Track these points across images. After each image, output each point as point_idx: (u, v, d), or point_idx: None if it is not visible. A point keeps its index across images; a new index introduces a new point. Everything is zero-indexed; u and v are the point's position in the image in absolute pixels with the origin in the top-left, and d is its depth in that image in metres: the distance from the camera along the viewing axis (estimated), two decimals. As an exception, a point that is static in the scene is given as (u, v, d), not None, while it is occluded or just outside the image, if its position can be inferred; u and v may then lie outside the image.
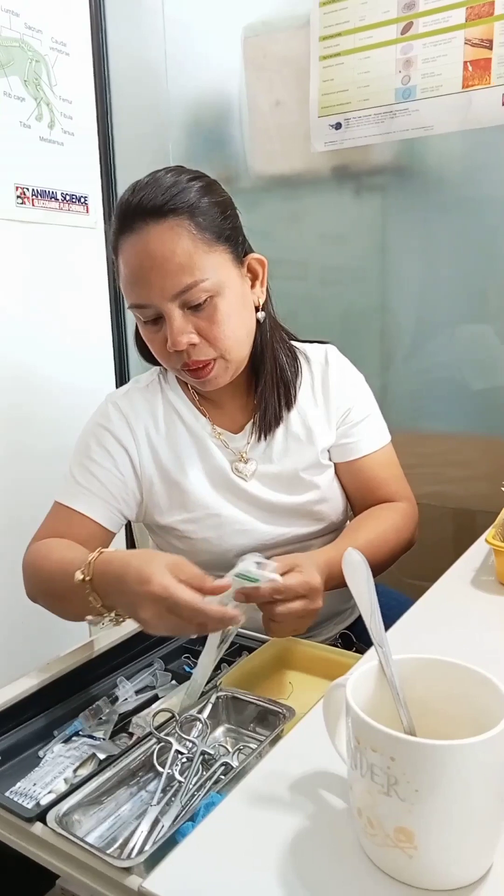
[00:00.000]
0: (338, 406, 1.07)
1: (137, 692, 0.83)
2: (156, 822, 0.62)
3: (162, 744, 0.68)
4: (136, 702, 0.81)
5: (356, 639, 1.09)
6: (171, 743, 0.68)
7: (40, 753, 0.74)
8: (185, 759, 0.67)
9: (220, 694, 0.76)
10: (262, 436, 1.04)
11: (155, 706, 0.78)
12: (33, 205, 1.61)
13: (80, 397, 1.42)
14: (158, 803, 0.64)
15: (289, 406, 1.04)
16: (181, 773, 0.66)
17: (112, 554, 0.82)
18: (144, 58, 1.73)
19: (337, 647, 1.02)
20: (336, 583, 0.84)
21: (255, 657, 0.84)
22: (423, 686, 0.51)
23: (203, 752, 0.68)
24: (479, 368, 1.43)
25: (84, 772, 0.70)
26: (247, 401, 1.06)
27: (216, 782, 0.65)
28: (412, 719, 0.50)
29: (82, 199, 1.73)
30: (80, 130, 1.71)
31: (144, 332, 0.97)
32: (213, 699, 0.75)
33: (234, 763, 0.66)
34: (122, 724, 0.77)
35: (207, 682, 0.77)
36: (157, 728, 0.70)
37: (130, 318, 1.81)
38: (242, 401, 1.06)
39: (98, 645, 0.88)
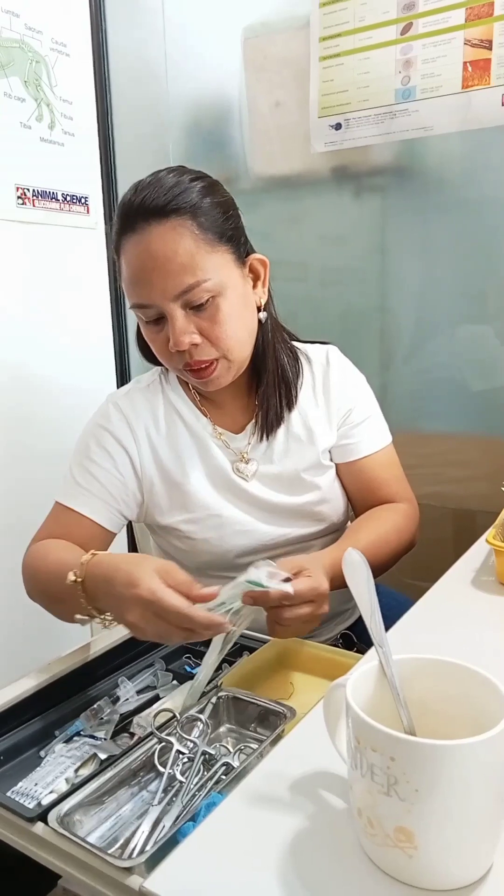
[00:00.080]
0: (339, 407, 1.07)
1: (138, 692, 0.84)
2: (157, 822, 0.62)
3: (163, 744, 0.68)
4: (137, 702, 0.81)
5: (357, 639, 1.09)
6: (172, 743, 0.68)
7: (41, 753, 0.75)
8: (186, 760, 0.67)
9: (221, 694, 0.76)
10: (264, 436, 1.04)
11: (156, 706, 0.78)
12: (34, 205, 1.61)
13: (80, 398, 1.42)
14: (159, 803, 0.64)
15: (290, 406, 1.05)
16: (182, 773, 0.66)
17: (103, 556, 0.82)
18: (144, 59, 1.73)
19: (338, 647, 1.02)
20: (340, 583, 0.84)
21: (256, 657, 0.84)
22: (424, 686, 0.51)
23: (204, 753, 0.68)
24: (478, 369, 1.43)
25: (85, 772, 0.71)
26: (248, 401, 1.06)
27: (217, 782, 0.65)
28: (412, 719, 0.50)
29: (83, 200, 1.73)
30: (80, 131, 1.71)
31: (146, 332, 0.97)
32: (214, 699, 0.75)
33: (235, 763, 0.67)
34: (124, 725, 0.78)
35: (209, 683, 0.77)
36: (158, 728, 0.70)
37: (131, 319, 1.82)
38: (243, 401, 1.06)
39: (99, 645, 0.89)
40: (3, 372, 1.58)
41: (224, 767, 0.66)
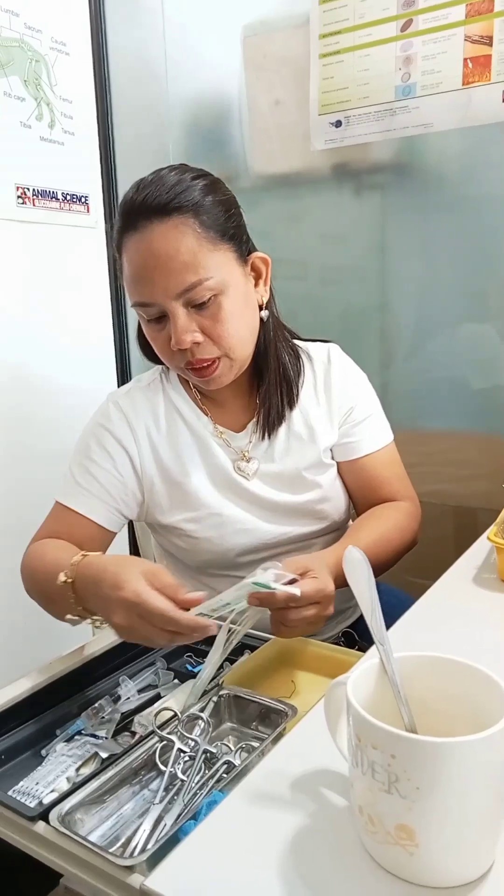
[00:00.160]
0: (340, 405, 1.07)
1: (140, 691, 0.84)
2: (158, 820, 0.62)
3: (164, 742, 0.68)
4: (138, 701, 0.81)
5: (359, 637, 1.09)
6: (173, 741, 0.68)
7: (43, 752, 0.75)
8: (187, 758, 0.67)
9: (222, 692, 0.76)
10: (265, 435, 1.04)
11: (157, 705, 0.78)
12: (34, 205, 1.61)
13: (81, 397, 1.42)
14: (161, 802, 0.64)
15: (291, 405, 1.04)
16: (183, 772, 0.66)
17: (93, 558, 0.82)
18: (144, 57, 1.73)
19: (339, 645, 1.02)
20: (343, 582, 0.84)
21: (257, 656, 0.84)
22: (424, 684, 0.51)
23: (205, 751, 0.68)
24: (479, 367, 1.43)
25: (86, 771, 0.71)
26: (249, 400, 1.06)
27: (218, 781, 0.65)
28: (413, 717, 0.50)
29: (83, 199, 1.73)
30: (80, 130, 1.71)
31: (147, 330, 0.97)
32: (215, 698, 0.75)
33: (237, 761, 0.67)
34: (125, 723, 0.78)
35: (210, 681, 0.77)
36: (159, 727, 0.70)
37: (132, 318, 1.82)
38: (245, 400, 1.06)
39: (100, 644, 0.89)
40: (3, 372, 1.58)
41: (225, 766, 0.66)
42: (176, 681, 0.85)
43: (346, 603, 1.13)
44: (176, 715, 0.72)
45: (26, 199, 1.59)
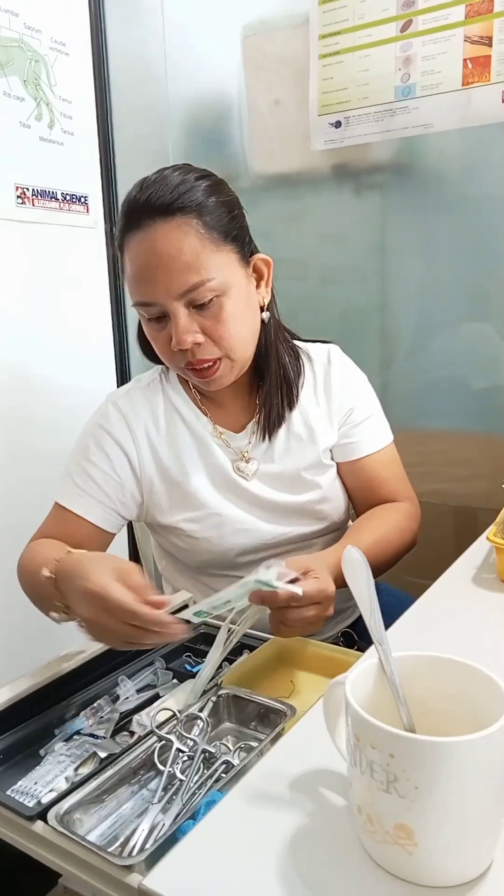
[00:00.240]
0: (340, 406, 1.07)
1: (138, 691, 0.83)
2: (156, 820, 0.62)
3: (163, 742, 0.68)
4: (137, 700, 0.81)
5: (358, 637, 1.09)
6: (172, 741, 0.68)
7: (41, 752, 0.74)
8: (185, 758, 0.67)
9: (221, 692, 0.76)
10: (265, 436, 1.03)
11: (156, 705, 0.78)
12: (33, 205, 1.61)
13: (80, 397, 1.42)
14: (159, 801, 0.64)
15: (291, 406, 1.04)
16: (182, 772, 0.66)
17: (76, 554, 0.83)
18: (144, 58, 1.73)
19: (338, 645, 1.02)
20: (342, 582, 0.84)
21: (256, 655, 0.84)
22: (423, 684, 0.51)
23: (204, 751, 0.68)
24: (479, 367, 1.43)
25: (85, 770, 0.70)
26: (249, 400, 1.06)
27: (217, 780, 0.65)
28: (412, 717, 0.50)
29: (82, 199, 1.73)
30: (79, 130, 1.71)
31: (148, 329, 0.96)
32: (214, 698, 0.75)
33: (235, 761, 0.66)
34: (123, 723, 0.77)
35: (209, 681, 0.77)
36: (158, 726, 0.70)
37: (131, 318, 1.82)
38: (244, 401, 1.06)
39: (99, 643, 0.88)
40: (2, 372, 1.58)
41: (224, 765, 0.66)
42: (175, 681, 0.85)
43: (346, 603, 1.12)
44: (175, 715, 0.72)
45: (26, 199, 1.59)
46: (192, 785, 0.64)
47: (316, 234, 1.57)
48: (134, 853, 0.58)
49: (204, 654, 0.87)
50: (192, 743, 0.68)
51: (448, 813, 0.42)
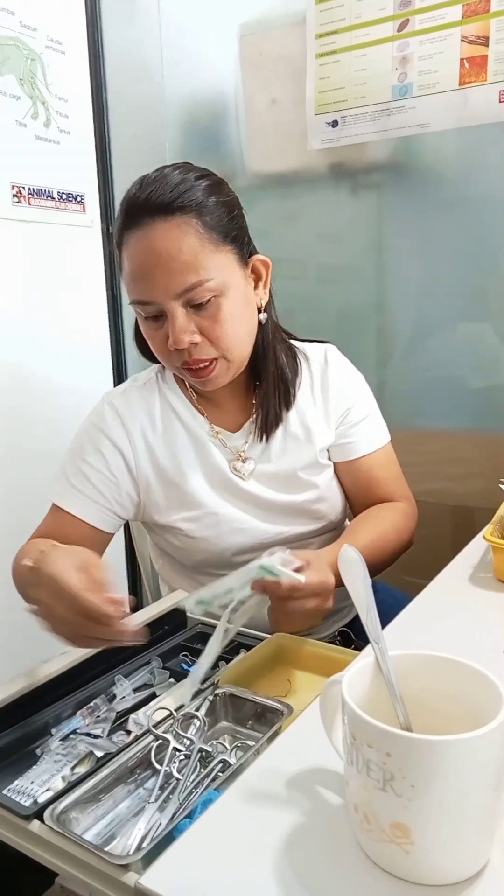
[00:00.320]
0: (337, 406, 1.07)
1: (135, 690, 0.83)
2: (153, 819, 0.62)
3: (160, 741, 0.68)
4: (133, 700, 0.81)
5: (355, 636, 1.09)
6: (168, 740, 0.68)
7: (38, 751, 0.74)
8: (182, 757, 0.67)
9: (218, 691, 0.76)
10: (262, 438, 1.03)
11: (153, 704, 0.78)
12: (29, 204, 1.60)
13: (77, 398, 1.42)
14: (156, 800, 0.64)
15: (288, 406, 1.04)
16: (179, 771, 0.66)
17: (59, 546, 0.83)
18: (140, 56, 1.73)
19: (335, 644, 1.02)
20: (341, 581, 0.84)
21: (253, 654, 0.84)
22: (420, 683, 0.51)
23: (201, 750, 0.68)
24: (476, 366, 1.43)
25: (82, 769, 0.70)
26: (245, 401, 1.06)
27: (214, 779, 0.65)
28: (408, 715, 0.50)
29: (79, 198, 1.73)
30: (76, 129, 1.70)
31: (145, 328, 0.96)
32: (210, 696, 0.75)
33: (232, 760, 0.66)
34: (120, 722, 0.77)
35: (204, 681, 0.77)
36: (154, 726, 0.70)
37: (128, 318, 1.82)
38: (241, 401, 1.06)
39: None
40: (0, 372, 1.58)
41: (221, 764, 0.66)
42: (171, 680, 0.85)
43: (343, 602, 1.13)
44: (171, 714, 0.72)
45: (21, 198, 1.58)
46: (188, 784, 0.64)
47: (313, 234, 1.57)
48: (130, 852, 0.58)
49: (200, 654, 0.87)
50: (188, 742, 0.68)
51: (444, 811, 0.42)
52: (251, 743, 0.68)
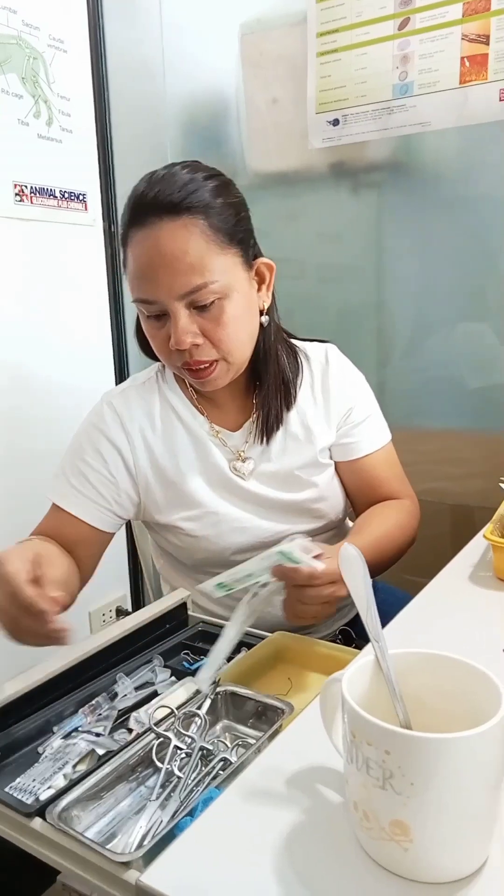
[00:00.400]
0: (338, 406, 1.07)
1: (137, 688, 0.84)
2: (154, 817, 0.62)
3: (161, 739, 0.69)
4: (135, 698, 0.81)
5: (356, 635, 1.10)
6: (169, 738, 0.68)
7: (40, 749, 0.75)
8: (183, 755, 0.68)
9: (219, 690, 0.76)
10: (263, 439, 1.03)
11: (154, 702, 0.78)
12: (32, 202, 1.61)
13: (78, 398, 1.42)
14: (157, 798, 0.64)
15: (289, 407, 1.04)
16: (180, 769, 0.66)
17: (31, 539, 0.84)
18: (142, 55, 1.73)
19: (336, 643, 1.03)
20: None
21: (254, 653, 0.84)
22: (420, 681, 0.51)
23: (202, 748, 0.68)
24: (476, 365, 1.43)
25: (83, 767, 0.71)
26: (245, 401, 1.06)
27: (214, 777, 0.65)
28: (408, 714, 0.50)
29: (81, 197, 1.73)
30: (78, 128, 1.71)
31: (147, 326, 0.96)
32: (212, 695, 0.75)
33: (233, 758, 0.67)
34: (122, 720, 0.78)
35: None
36: (156, 724, 0.70)
37: (129, 317, 1.82)
38: (241, 401, 1.06)
39: (97, 641, 0.89)
40: (1, 371, 1.58)
41: (222, 763, 0.67)
42: (173, 678, 0.85)
43: (344, 600, 1.13)
44: (172, 712, 0.72)
45: (24, 197, 1.58)
46: (189, 782, 0.64)
47: (313, 233, 1.57)
48: (132, 850, 0.58)
49: (202, 652, 0.87)
50: (189, 740, 0.69)
51: (444, 809, 0.43)
52: (252, 741, 0.68)
